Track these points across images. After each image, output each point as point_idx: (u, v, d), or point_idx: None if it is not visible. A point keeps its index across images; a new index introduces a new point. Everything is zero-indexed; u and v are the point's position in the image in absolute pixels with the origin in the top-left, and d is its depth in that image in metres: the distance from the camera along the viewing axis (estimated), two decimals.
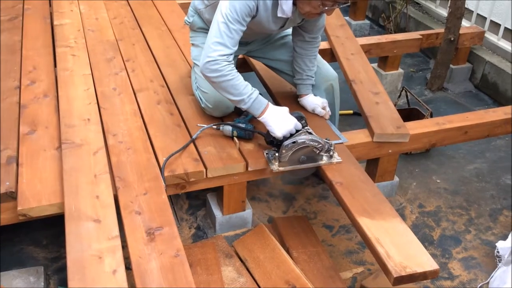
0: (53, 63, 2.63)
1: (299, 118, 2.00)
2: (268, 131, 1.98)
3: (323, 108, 2.28)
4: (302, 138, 1.94)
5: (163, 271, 1.47)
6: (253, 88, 1.96)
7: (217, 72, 1.89)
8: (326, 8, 1.86)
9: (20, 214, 1.71)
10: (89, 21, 3.09)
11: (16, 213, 1.74)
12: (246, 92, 1.93)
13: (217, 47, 1.88)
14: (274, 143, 1.99)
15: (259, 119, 1.98)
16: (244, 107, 1.96)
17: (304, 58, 2.23)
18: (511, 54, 3.39)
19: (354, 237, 2.27)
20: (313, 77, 2.27)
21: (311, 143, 1.95)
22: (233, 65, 1.92)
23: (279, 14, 1.93)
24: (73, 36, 2.87)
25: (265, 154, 2.03)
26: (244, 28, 1.91)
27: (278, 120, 1.94)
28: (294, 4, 1.90)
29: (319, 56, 2.36)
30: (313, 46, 2.22)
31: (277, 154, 1.97)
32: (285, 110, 1.99)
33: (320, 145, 1.97)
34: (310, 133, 2.00)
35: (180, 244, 1.57)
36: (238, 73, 1.94)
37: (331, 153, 2.02)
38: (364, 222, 1.76)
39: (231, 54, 1.91)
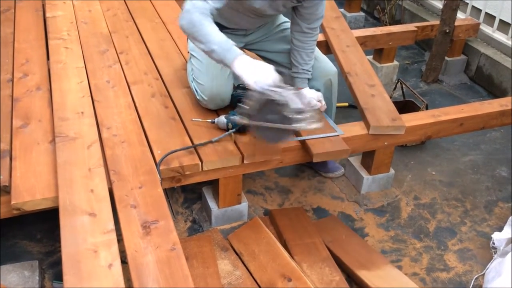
0: (46, 55, 2.60)
1: (280, 73, 1.73)
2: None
3: (319, 101, 2.27)
4: (275, 91, 1.69)
5: (160, 264, 1.46)
6: (229, 41, 1.83)
7: (188, 20, 1.84)
8: None
9: (14, 208, 1.69)
10: (82, 13, 3.06)
11: (10, 207, 1.72)
12: (218, 41, 1.80)
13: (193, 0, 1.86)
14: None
15: (233, 69, 1.81)
16: (215, 57, 1.83)
17: (300, 51, 2.21)
18: (511, 48, 3.37)
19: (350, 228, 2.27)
20: (309, 71, 2.26)
21: (281, 98, 1.67)
22: (208, 16, 1.85)
23: None
24: (66, 29, 2.84)
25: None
26: None
27: (251, 68, 1.77)
28: None
29: (319, 51, 2.35)
30: (311, 38, 2.21)
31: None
32: (261, 62, 1.83)
33: (297, 107, 1.71)
34: (293, 92, 1.74)
35: (176, 237, 1.56)
36: (214, 24, 1.86)
37: (311, 120, 1.77)
38: (363, 275, 1.95)
39: (206, 9, 1.86)
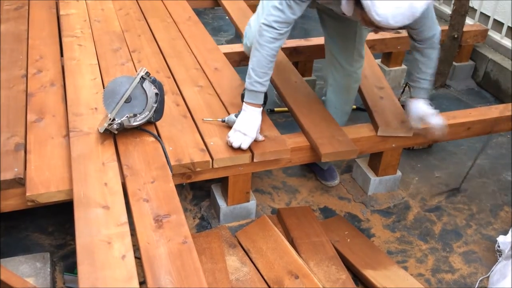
0: (59, 52, 2.64)
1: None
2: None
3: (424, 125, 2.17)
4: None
5: (172, 257, 1.49)
6: (266, 83, 1.98)
7: (260, 37, 1.93)
8: (371, 28, 1.77)
9: (29, 200, 1.73)
10: (95, 12, 3.10)
11: (23, 199, 1.75)
12: (257, 76, 1.96)
13: (275, 12, 1.89)
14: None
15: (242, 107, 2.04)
16: (245, 84, 2.01)
17: (418, 62, 2.10)
18: None
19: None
20: (424, 80, 2.12)
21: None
22: (280, 42, 1.93)
23: (343, 10, 1.83)
24: (79, 26, 2.88)
25: None
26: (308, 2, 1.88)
27: (245, 120, 2.01)
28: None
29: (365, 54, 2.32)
30: (424, 50, 2.06)
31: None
32: (255, 126, 2.01)
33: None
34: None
35: (188, 231, 1.59)
36: (273, 59, 1.95)
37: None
38: (370, 274, 1.98)
39: (288, 23, 1.90)
